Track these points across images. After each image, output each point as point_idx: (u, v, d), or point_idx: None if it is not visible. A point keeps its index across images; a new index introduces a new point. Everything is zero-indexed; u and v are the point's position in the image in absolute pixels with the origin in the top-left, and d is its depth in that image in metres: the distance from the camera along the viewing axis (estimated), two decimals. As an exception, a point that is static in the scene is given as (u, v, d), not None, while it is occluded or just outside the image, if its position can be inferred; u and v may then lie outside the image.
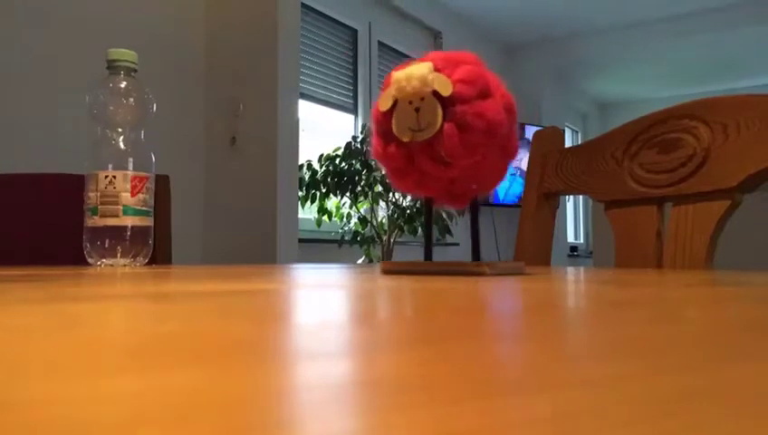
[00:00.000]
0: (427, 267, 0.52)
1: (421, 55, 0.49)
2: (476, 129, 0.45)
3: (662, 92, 5.63)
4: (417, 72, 0.46)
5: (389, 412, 0.08)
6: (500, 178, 0.52)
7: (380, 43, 3.53)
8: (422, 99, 0.46)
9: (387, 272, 0.52)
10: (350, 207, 2.77)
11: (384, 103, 0.48)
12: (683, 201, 0.73)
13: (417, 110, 0.46)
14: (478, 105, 0.46)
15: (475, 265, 0.48)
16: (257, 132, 2.38)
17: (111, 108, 0.78)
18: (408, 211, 2.78)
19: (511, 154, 0.50)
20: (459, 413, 0.08)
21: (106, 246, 0.76)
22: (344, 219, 2.79)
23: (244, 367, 0.11)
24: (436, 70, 0.46)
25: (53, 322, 0.18)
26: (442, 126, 0.45)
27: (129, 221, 0.76)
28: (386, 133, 0.48)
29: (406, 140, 0.47)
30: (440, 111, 0.45)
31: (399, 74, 0.47)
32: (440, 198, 0.53)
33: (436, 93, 0.45)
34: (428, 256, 0.54)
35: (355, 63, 3.36)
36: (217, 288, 0.33)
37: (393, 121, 0.48)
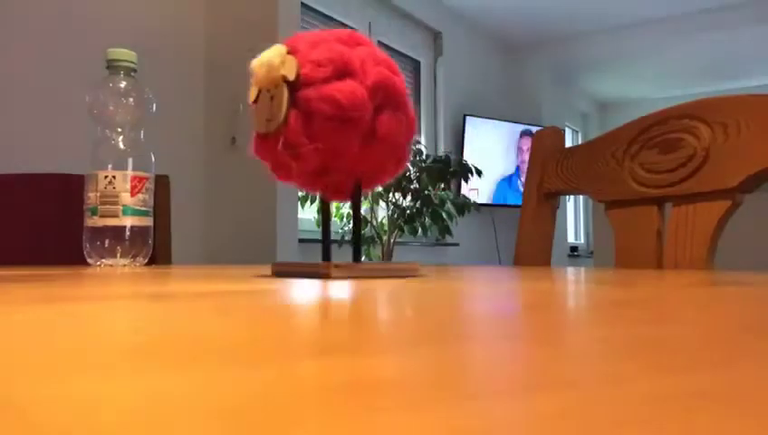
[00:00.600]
0: (280, 268, 0.48)
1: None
2: (322, 114, 0.40)
3: (662, 92, 5.64)
4: (266, 58, 0.43)
5: (391, 412, 0.08)
6: (383, 167, 0.46)
7: (380, 43, 3.52)
8: (276, 86, 0.42)
9: (277, 274, 0.47)
10: (350, 208, 2.76)
11: (251, 95, 0.45)
12: (683, 201, 0.73)
13: (272, 98, 0.43)
14: (328, 88, 0.41)
15: (324, 266, 0.43)
16: (257, 132, 2.38)
17: (111, 108, 0.78)
18: (408, 211, 2.78)
19: (390, 141, 0.44)
20: (459, 413, 0.08)
21: (106, 246, 0.76)
22: (344, 219, 2.79)
23: (243, 368, 0.11)
24: (294, 52, 0.42)
25: (53, 322, 0.18)
26: (288, 114, 0.41)
27: (128, 221, 0.76)
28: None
29: (262, 132, 0.43)
30: (286, 98, 0.42)
31: (255, 62, 0.43)
32: (323, 192, 0.47)
33: (287, 79, 0.41)
34: (326, 255, 0.48)
35: (355, 64, 3.36)
36: (217, 288, 0.33)
37: (255, 113, 0.44)
